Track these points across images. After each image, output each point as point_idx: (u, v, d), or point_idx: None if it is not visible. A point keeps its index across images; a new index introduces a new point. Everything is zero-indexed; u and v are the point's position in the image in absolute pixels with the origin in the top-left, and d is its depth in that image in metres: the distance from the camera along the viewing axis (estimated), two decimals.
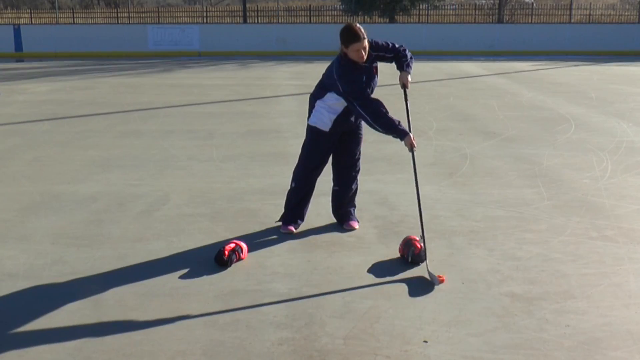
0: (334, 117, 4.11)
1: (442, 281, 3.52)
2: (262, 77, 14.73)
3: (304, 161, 4.33)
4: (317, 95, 4.18)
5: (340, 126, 4.16)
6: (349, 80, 3.90)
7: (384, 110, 3.91)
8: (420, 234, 3.87)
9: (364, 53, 3.86)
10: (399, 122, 3.94)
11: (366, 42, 3.85)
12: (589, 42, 22.31)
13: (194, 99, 11.18)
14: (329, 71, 4.05)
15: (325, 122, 4.14)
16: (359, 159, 4.38)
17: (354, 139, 4.30)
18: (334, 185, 4.44)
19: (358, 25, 3.88)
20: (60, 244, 4.18)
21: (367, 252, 4.00)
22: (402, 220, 4.62)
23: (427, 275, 3.62)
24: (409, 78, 4.10)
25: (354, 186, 4.42)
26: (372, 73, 4.03)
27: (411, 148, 3.92)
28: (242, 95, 11.59)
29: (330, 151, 4.30)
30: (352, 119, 4.18)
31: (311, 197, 4.44)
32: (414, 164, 4.00)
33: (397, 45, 4.13)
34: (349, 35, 3.82)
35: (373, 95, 4.04)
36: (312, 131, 4.23)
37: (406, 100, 4.13)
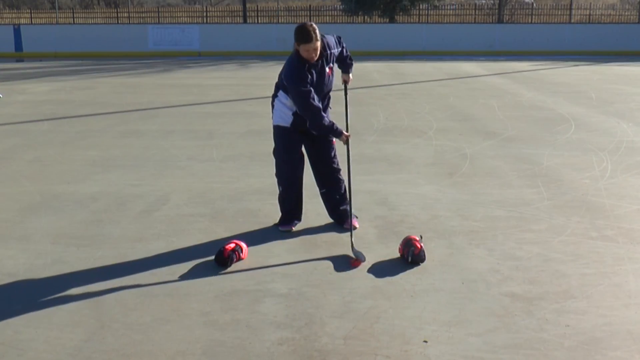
0: (291, 112, 4.19)
1: (356, 265, 3.77)
2: (262, 77, 14.73)
3: (279, 163, 4.38)
4: (274, 94, 4.31)
5: (300, 122, 4.18)
6: (296, 81, 4.01)
7: (320, 116, 4.08)
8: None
9: (314, 54, 3.96)
10: (333, 123, 4.16)
11: (318, 44, 3.94)
12: (589, 42, 22.32)
13: (194, 99, 11.18)
14: (282, 71, 4.18)
15: (285, 118, 4.22)
16: (334, 158, 4.38)
17: (324, 139, 4.31)
18: (319, 189, 4.46)
19: (313, 25, 3.95)
20: (60, 244, 4.18)
21: (367, 252, 4.00)
22: (402, 220, 4.62)
23: (351, 253, 3.93)
24: (351, 77, 4.53)
25: (340, 185, 4.42)
26: (323, 74, 4.11)
27: (345, 141, 4.25)
28: (242, 95, 11.60)
29: (300, 146, 4.33)
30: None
31: (302, 196, 4.45)
32: (349, 156, 4.33)
33: (345, 53, 4.41)
34: (302, 36, 3.90)
35: (328, 96, 4.26)
36: (276, 130, 4.32)
37: (345, 93, 4.43)
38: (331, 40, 4.18)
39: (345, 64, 4.48)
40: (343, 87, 4.50)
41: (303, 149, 4.37)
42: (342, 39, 4.39)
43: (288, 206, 4.40)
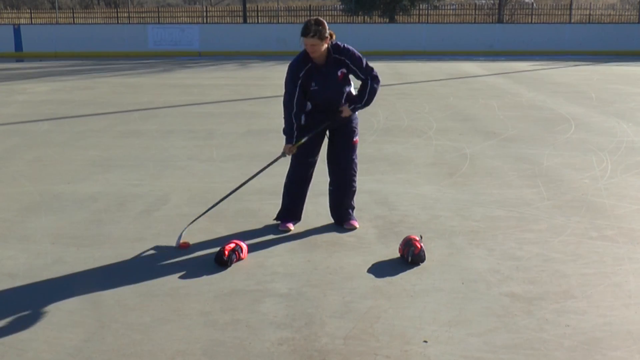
0: (307, 110, 4.20)
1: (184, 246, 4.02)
2: (262, 77, 14.74)
3: (291, 158, 4.38)
4: None
5: (315, 119, 4.18)
6: (288, 68, 4.11)
7: (287, 114, 4.14)
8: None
9: (311, 50, 3.98)
10: (294, 134, 4.14)
11: (317, 42, 3.93)
12: (589, 42, 22.33)
13: (194, 99, 11.18)
14: None
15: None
16: (352, 159, 4.35)
17: (345, 138, 4.30)
18: (329, 185, 4.46)
19: (321, 23, 3.94)
20: (60, 244, 4.18)
21: (367, 252, 4.00)
22: (402, 220, 4.62)
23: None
24: (348, 113, 4.18)
25: (350, 188, 4.40)
26: (329, 76, 4.08)
27: (283, 153, 4.23)
28: (242, 95, 11.60)
29: (316, 147, 4.31)
30: (326, 114, 4.23)
31: (306, 196, 4.45)
32: (272, 162, 4.37)
33: (374, 73, 4.15)
34: (302, 27, 3.96)
35: (338, 98, 4.18)
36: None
37: (328, 121, 4.20)
38: (352, 52, 4.08)
39: (360, 94, 4.15)
40: (334, 115, 4.19)
41: (321, 150, 4.37)
42: (373, 70, 4.13)
43: (288, 201, 4.41)
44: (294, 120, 4.13)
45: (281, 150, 4.29)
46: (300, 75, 4.05)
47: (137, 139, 7.58)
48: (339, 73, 4.10)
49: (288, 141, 4.18)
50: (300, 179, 4.37)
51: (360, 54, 4.13)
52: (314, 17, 4.01)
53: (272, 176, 5.79)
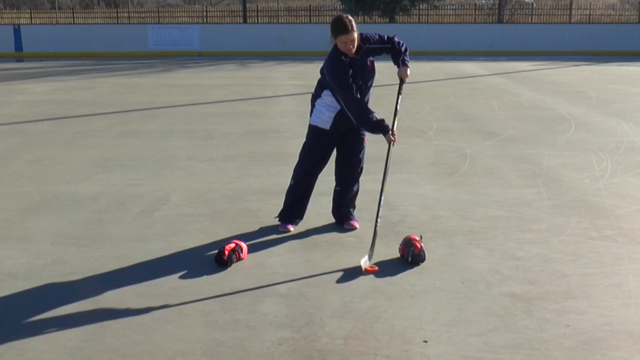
0: (333, 114, 4.13)
1: (369, 271, 3.69)
2: (262, 77, 14.73)
3: (303, 159, 4.34)
4: (316, 94, 4.25)
5: (341, 124, 4.15)
6: (334, 70, 3.98)
7: (367, 109, 4.02)
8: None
9: (351, 46, 3.93)
10: (382, 119, 4.04)
11: (355, 35, 3.91)
12: (589, 42, 22.31)
13: (194, 99, 11.18)
14: (322, 68, 4.13)
15: (325, 120, 4.17)
16: (361, 159, 4.35)
17: (356, 139, 4.28)
18: (335, 186, 4.44)
19: (348, 17, 3.94)
20: (60, 244, 4.18)
21: (367, 252, 4.00)
22: (402, 220, 4.62)
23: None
24: (408, 72, 4.15)
25: (355, 187, 4.41)
26: (365, 67, 4.05)
27: (390, 143, 4.08)
28: (242, 95, 11.59)
29: (331, 150, 4.31)
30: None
31: (310, 196, 4.44)
32: (388, 157, 4.13)
33: (391, 37, 4.18)
34: (337, 27, 3.90)
35: (369, 90, 4.15)
36: (312, 130, 4.26)
37: (399, 93, 4.20)
38: (369, 34, 4.09)
39: (397, 54, 4.14)
40: (398, 85, 4.20)
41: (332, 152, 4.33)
42: (394, 36, 4.18)
43: (291, 201, 4.39)
44: (371, 110, 4.03)
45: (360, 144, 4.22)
46: (350, 73, 3.97)
47: (137, 139, 7.58)
48: (368, 62, 4.08)
49: (385, 131, 4.02)
50: (305, 180, 4.36)
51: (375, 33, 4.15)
52: (343, 15, 3.96)
53: (272, 176, 5.81)
